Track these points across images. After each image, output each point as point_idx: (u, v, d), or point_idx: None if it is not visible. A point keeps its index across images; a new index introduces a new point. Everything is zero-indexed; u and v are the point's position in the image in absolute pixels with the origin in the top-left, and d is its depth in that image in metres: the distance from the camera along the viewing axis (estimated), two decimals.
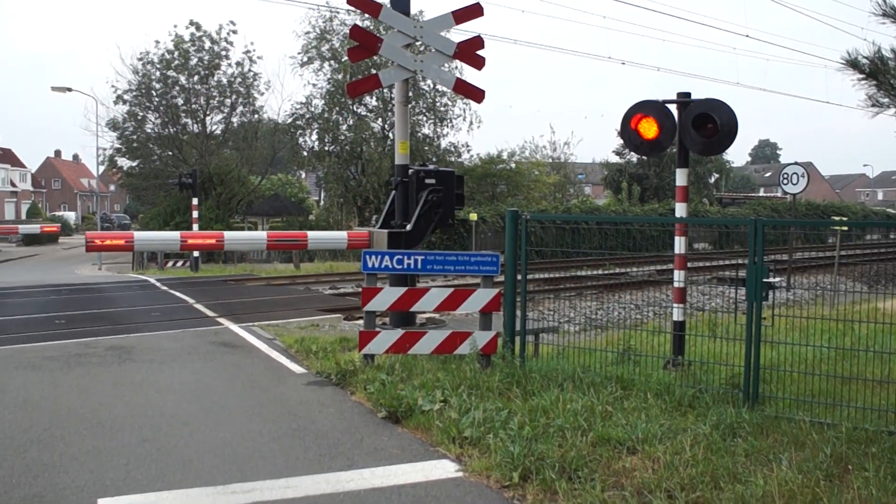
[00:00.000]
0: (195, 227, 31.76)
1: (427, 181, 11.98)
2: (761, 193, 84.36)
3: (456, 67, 35.13)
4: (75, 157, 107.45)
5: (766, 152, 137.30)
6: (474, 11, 12.48)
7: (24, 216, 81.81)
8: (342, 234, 14.25)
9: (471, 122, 43.80)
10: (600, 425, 6.38)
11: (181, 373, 9.22)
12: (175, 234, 14.72)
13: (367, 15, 21.67)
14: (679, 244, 9.01)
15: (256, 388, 8.43)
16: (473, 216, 33.01)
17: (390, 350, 8.71)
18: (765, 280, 7.17)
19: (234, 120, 45.17)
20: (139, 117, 43.14)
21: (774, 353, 8.62)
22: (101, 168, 47.06)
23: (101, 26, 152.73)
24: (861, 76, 6.09)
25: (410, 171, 12.12)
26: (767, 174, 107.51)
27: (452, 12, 12.42)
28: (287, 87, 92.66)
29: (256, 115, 45.35)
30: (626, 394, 7.39)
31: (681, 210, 9.27)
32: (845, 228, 24.10)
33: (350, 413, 7.40)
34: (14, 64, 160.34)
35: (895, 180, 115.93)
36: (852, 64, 6.07)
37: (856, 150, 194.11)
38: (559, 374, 7.98)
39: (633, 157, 53.92)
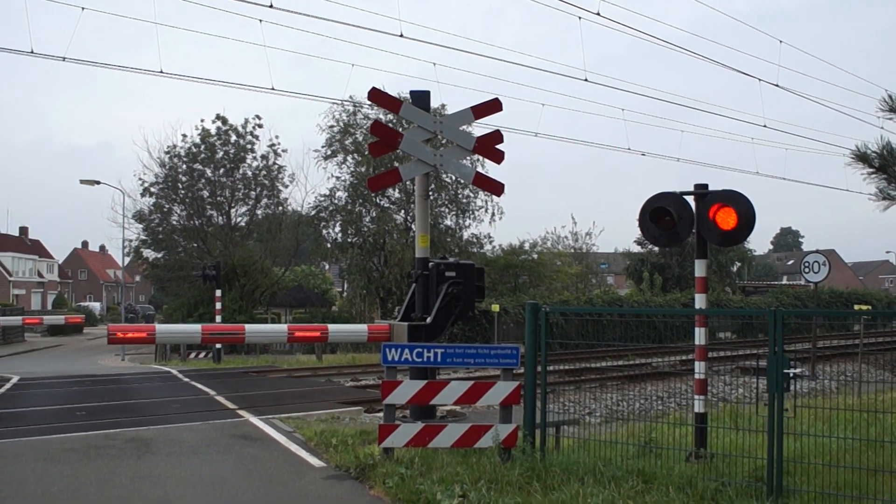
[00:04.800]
0: (218, 318, 31.93)
1: (447, 274, 12.04)
2: (784, 281, 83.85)
3: (477, 160, 35.63)
4: (102, 248, 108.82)
5: (787, 240, 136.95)
6: (493, 107, 12.73)
7: (50, 306, 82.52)
8: (362, 328, 14.25)
9: (493, 214, 44.04)
10: None
11: (200, 466, 9.19)
12: (196, 327, 14.81)
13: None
14: (699, 335, 9.00)
15: (275, 481, 8.39)
16: (496, 307, 33.01)
17: (410, 443, 8.67)
18: (786, 371, 7.13)
19: (259, 212, 45.87)
20: (165, 209, 43.89)
21: (798, 444, 8.50)
22: (127, 259, 47.71)
23: (131, 120, 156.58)
24: (871, 170, 6.12)
25: (430, 264, 12.22)
26: (790, 262, 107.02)
27: (472, 108, 12.66)
28: (311, 180, 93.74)
29: (280, 208, 46.03)
30: (647, 487, 7.30)
31: (700, 301, 9.28)
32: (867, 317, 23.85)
33: None
34: (50, 158, 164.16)
35: None
36: (862, 158, 6.11)
37: (878, 236, 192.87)
38: (580, 467, 7.90)
39: (655, 247, 53.97)
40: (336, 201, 43.05)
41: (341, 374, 23.70)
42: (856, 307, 36.14)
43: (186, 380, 20.50)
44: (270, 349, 36.13)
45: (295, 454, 9.94)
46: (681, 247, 49.98)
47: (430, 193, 26.84)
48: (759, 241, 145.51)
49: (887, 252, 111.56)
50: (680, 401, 14.93)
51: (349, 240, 42.89)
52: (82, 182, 39.83)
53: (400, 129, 13.83)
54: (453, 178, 40.79)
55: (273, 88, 22.56)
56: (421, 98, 12.54)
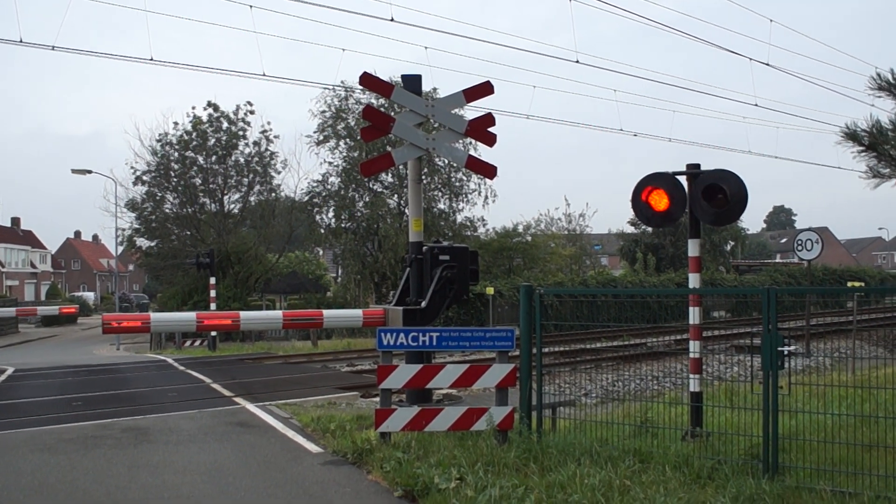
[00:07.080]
0: (213, 306, 31.90)
1: (441, 258, 12.04)
2: (777, 260, 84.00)
3: (470, 143, 35.59)
4: (95, 237, 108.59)
5: (780, 218, 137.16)
6: (485, 90, 12.69)
7: (43, 297, 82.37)
8: (357, 313, 14.26)
9: (486, 197, 43.96)
10: (618, 500, 6.32)
11: (197, 454, 9.20)
12: (191, 315, 14.78)
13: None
14: (693, 315, 9.01)
15: (272, 468, 8.40)
16: (490, 290, 32.99)
17: (406, 427, 8.68)
18: (780, 348, 7.14)
19: (252, 199, 45.79)
20: (157, 198, 43.79)
21: (793, 421, 8.53)
22: (120, 248, 47.62)
23: (122, 108, 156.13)
24: (861, 148, 6.12)
25: (424, 248, 12.21)
26: (783, 240, 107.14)
27: (464, 91, 12.63)
28: (303, 166, 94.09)
29: (273, 194, 45.97)
30: (644, 467, 7.32)
31: (694, 280, 9.28)
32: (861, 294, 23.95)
33: (366, 493, 7.36)
34: (41, 148, 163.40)
35: None
36: (851, 136, 6.10)
37: (870, 213, 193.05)
38: (576, 448, 7.92)
39: (649, 227, 53.93)
40: (329, 187, 42.97)
41: (337, 360, 23.71)
42: (849, 284, 36.26)
43: (182, 368, 20.49)
44: (266, 336, 36.15)
45: (292, 440, 9.95)
46: (674, 227, 49.99)
47: (423, 177, 26.78)
48: (752, 220, 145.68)
49: (879, 228, 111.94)
50: (675, 380, 14.99)
51: (343, 225, 42.81)
52: (74, 171, 39.74)
53: (392, 114, 13.79)
54: (446, 161, 40.74)
55: (264, 74, 22.52)
56: (413, 82, 12.50)
